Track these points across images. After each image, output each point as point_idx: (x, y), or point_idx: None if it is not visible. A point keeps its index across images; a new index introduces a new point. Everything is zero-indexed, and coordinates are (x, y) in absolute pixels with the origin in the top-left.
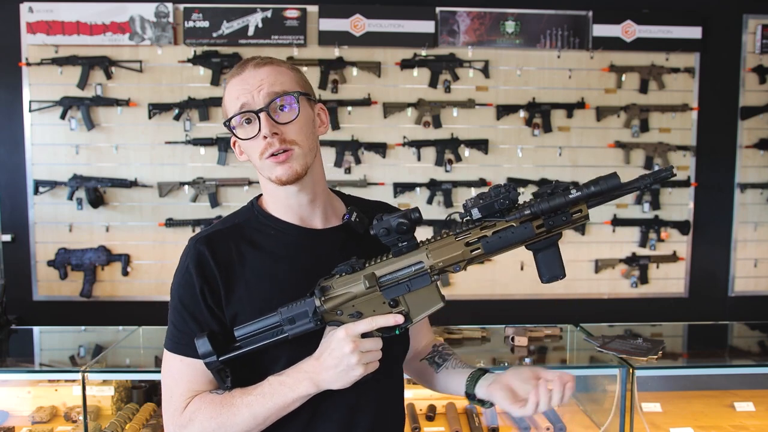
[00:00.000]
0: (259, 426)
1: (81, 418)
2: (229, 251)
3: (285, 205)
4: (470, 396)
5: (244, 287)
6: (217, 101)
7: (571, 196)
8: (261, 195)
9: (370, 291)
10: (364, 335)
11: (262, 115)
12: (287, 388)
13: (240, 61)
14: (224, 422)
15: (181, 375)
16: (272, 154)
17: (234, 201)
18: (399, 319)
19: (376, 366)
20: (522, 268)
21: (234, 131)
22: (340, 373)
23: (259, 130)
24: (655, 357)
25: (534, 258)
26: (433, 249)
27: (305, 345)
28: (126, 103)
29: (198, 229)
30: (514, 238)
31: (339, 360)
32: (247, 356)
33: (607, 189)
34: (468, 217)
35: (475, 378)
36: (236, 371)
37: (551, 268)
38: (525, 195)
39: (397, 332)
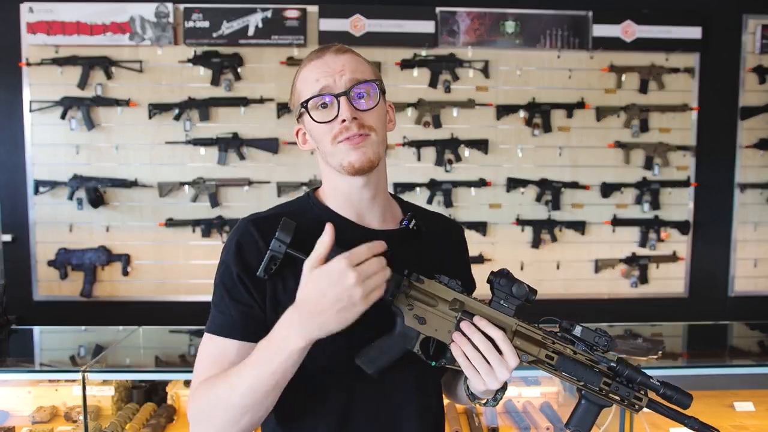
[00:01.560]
0: (258, 401)
1: (81, 418)
2: None
3: (346, 199)
4: (470, 396)
5: (292, 278)
6: (217, 101)
7: (651, 380)
8: (317, 188)
9: (451, 313)
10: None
11: (342, 99)
12: (275, 347)
13: (316, 48)
14: (219, 395)
15: (209, 355)
16: (347, 138)
17: (234, 201)
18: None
19: (380, 294)
20: (522, 268)
21: (310, 113)
22: (339, 312)
23: (337, 114)
24: (655, 357)
25: (577, 401)
26: (520, 329)
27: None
28: (126, 103)
29: (198, 230)
30: (580, 375)
31: (338, 297)
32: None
33: (675, 398)
34: (567, 328)
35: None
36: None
37: (583, 423)
38: (526, 195)
39: (433, 364)
